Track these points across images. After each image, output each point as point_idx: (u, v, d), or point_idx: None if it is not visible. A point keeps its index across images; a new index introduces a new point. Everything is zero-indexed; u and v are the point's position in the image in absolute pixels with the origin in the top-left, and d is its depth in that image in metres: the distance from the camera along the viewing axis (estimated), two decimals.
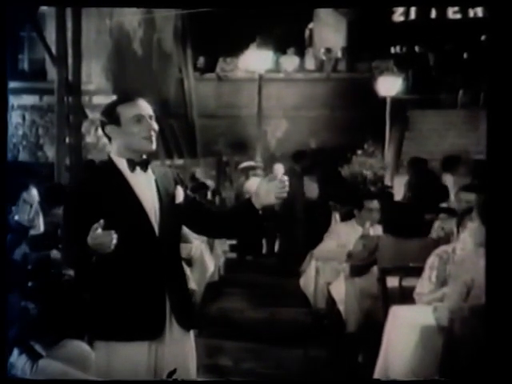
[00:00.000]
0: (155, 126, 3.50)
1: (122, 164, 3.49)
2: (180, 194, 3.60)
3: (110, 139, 3.55)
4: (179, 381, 3.50)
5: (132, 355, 3.42)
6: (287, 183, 3.44)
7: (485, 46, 19.54)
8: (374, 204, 7.56)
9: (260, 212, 3.52)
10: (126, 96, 3.60)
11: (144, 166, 3.51)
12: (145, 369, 3.46)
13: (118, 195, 3.44)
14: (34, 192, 4.85)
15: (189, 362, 3.63)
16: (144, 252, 3.44)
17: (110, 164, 3.52)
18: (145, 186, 3.51)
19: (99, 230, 3.17)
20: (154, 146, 3.50)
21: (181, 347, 3.56)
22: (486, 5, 20.13)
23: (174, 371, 3.47)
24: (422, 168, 10.72)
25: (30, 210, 5.41)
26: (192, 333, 3.69)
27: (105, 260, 3.26)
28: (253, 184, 12.32)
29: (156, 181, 3.55)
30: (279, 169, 11.95)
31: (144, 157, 3.52)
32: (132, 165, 3.49)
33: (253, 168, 12.82)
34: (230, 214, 3.82)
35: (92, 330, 3.55)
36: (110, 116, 3.50)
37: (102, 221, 3.17)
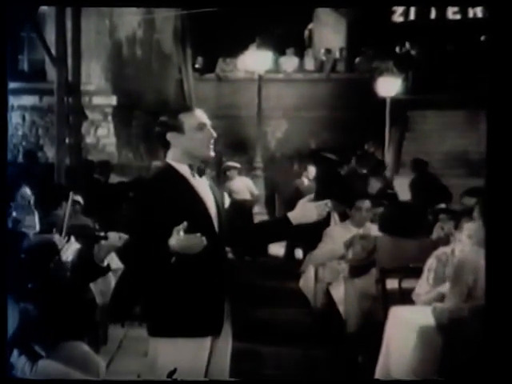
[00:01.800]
0: (214, 134, 3.65)
1: (183, 169, 3.63)
2: (227, 201, 3.75)
3: (167, 146, 3.68)
4: (179, 381, 3.52)
5: (195, 351, 3.54)
6: (330, 204, 3.77)
7: (485, 46, 19.56)
8: (366, 204, 7.56)
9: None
10: (185, 105, 3.73)
11: (202, 172, 3.67)
12: (203, 364, 3.58)
13: (184, 199, 3.56)
14: (27, 191, 4.83)
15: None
16: (208, 253, 3.50)
17: (171, 169, 3.65)
18: (205, 190, 3.66)
19: (182, 233, 3.34)
20: (213, 153, 3.66)
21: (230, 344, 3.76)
22: (485, 4, 20.20)
23: (174, 371, 3.50)
24: (423, 170, 10.74)
25: (29, 206, 5.40)
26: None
27: (184, 261, 3.41)
28: (236, 184, 12.38)
29: (210, 186, 3.71)
30: (312, 172, 12.15)
31: (201, 163, 3.68)
32: (193, 170, 3.64)
33: (234, 168, 12.83)
34: (266, 228, 4.09)
35: (155, 327, 3.62)
36: (173, 124, 3.63)
37: (185, 223, 3.34)
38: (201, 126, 3.61)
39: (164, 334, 3.56)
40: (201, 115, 3.65)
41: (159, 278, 3.53)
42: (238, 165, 12.97)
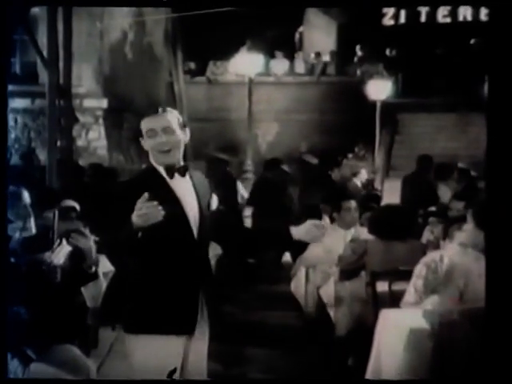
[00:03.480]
0: (171, 139, 3.61)
1: (161, 170, 3.65)
2: (214, 203, 3.74)
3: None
4: (179, 381, 3.54)
5: (166, 348, 3.55)
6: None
7: (475, 49, 19.64)
8: (352, 204, 7.58)
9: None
10: (151, 109, 3.71)
11: (182, 172, 3.66)
12: (178, 362, 3.61)
13: (160, 199, 3.49)
14: (25, 194, 4.83)
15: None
16: (182, 253, 3.59)
17: (151, 170, 3.68)
18: (185, 190, 3.67)
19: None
20: (171, 159, 3.63)
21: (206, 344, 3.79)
22: (479, 5, 20.26)
23: (174, 371, 3.54)
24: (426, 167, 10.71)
25: (26, 208, 5.39)
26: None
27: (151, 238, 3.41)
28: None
29: (194, 187, 3.71)
30: (364, 175, 12.28)
31: (181, 163, 3.67)
32: (170, 171, 3.64)
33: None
34: (264, 234, 4.10)
35: (127, 324, 3.67)
36: (139, 130, 3.68)
37: (146, 194, 3.31)
38: (150, 133, 3.62)
39: (137, 331, 3.60)
40: (152, 121, 3.63)
41: (135, 274, 3.60)
42: (226, 157, 12.97)
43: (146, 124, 3.64)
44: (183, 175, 3.67)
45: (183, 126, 3.70)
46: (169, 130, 3.61)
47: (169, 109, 3.71)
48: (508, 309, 3.64)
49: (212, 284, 3.73)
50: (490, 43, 3.91)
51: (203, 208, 3.69)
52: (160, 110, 3.67)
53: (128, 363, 3.69)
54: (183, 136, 3.68)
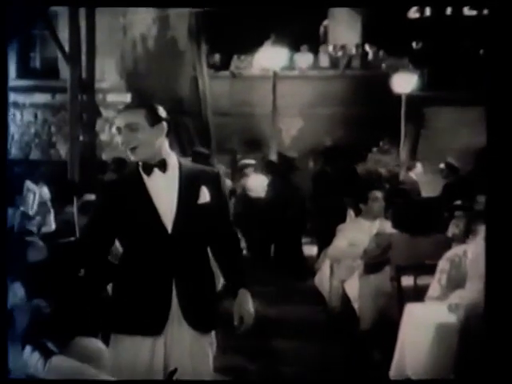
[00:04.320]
0: (137, 136, 3.51)
1: (139, 168, 3.59)
2: (205, 195, 3.59)
3: None
4: (179, 381, 3.50)
5: (134, 348, 3.51)
6: None
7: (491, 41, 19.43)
8: (378, 194, 7.54)
9: None
10: (127, 105, 3.66)
11: (161, 166, 3.56)
12: (146, 364, 3.52)
13: (133, 196, 3.53)
14: (44, 190, 4.82)
15: (199, 365, 3.64)
16: (154, 250, 3.50)
17: (134, 166, 3.62)
18: (162, 186, 3.55)
19: None
20: (139, 157, 3.55)
21: (190, 346, 3.58)
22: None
23: (174, 371, 3.49)
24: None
25: (34, 198, 5.39)
26: (210, 335, 3.77)
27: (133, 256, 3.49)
28: (251, 182, 12.34)
29: (180, 180, 3.58)
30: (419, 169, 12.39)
31: (161, 157, 3.56)
32: (147, 168, 3.55)
33: (250, 165, 12.79)
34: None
35: (106, 323, 3.72)
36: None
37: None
38: (118, 130, 3.54)
39: (113, 331, 3.61)
40: (120, 118, 3.56)
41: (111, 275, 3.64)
42: (252, 161, 12.92)
43: (116, 121, 3.61)
44: (163, 171, 3.57)
45: (158, 121, 3.56)
46: (134, 127, 3.50)
47: (143, 103, 3.66)
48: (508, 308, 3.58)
49: (187, 282, 3.57)
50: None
51: (183, 202, 3.55)
52: (132, 105, 3.67)
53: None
54: (155, 131, 3.54)
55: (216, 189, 3.64)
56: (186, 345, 3.56)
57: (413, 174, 12.93)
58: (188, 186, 3.59)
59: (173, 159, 3.61)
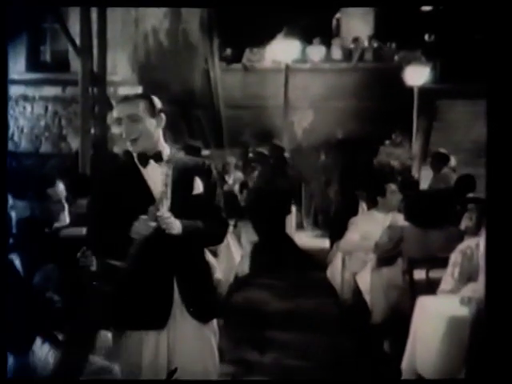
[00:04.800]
0: (138, 127, 3.52)
1: (134, 158, 3.60)
2: (198, 186, 3.60)
3: None
4: (179, 381, 3.50)
5: (138, 344, 3.51)
6: None
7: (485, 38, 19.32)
8: (394, 187, 7.52)
9: None
10: (125, 96, 3.64)
11: (157, 158, 3.57)
12: (151, 359, 3.52)
13: (131, 187, 3.55)
14: (60, 187, 4.79)
15: (204, 355, 3.65)
16: (153, 242, 3.48)
17: (130, 157, 3.63)
18: (157, 177, 3.55)
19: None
20: (139, 148, 3.56)
21: (193, 338, 3.60)
22: None
23: (174, 371, 3.49)
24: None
25: (61, 202, 5.37)
26: (213, 324, 3.73)
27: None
28: None
29: (174, 172, 3.57)
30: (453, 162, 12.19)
31: (157, 149, 3.58)
32: (143, 159, 3.57)
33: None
34: None
35: (108, 319, 3.72)
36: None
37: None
38: (118, 121, 3.54)
39: (116, 327, 3.63)
40: (118, 109, 3.57)
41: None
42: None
43: (114, 112, 3.58)
44: (160, 161, 3.58)
45: (159, 112, 3.59)
46: (135, 118, 3.51)
47: (142, 94, 3.66)
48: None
49: (187, 273, 3.59)
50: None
51: (176, 193, 3.56)
52: (131, 96, 3.60)
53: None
54: (155, 123, 3.57)
55: (208, 180, 3.66)
56: (189, 337, 3.58)
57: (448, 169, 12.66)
58: (182, 178, 3.60)
59: (167, 151, 3.63)
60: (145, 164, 3.56)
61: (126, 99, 3.58)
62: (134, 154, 3.58)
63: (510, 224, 3.53)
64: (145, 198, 3.50)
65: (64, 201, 4.84)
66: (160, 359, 3.52)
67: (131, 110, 3.52)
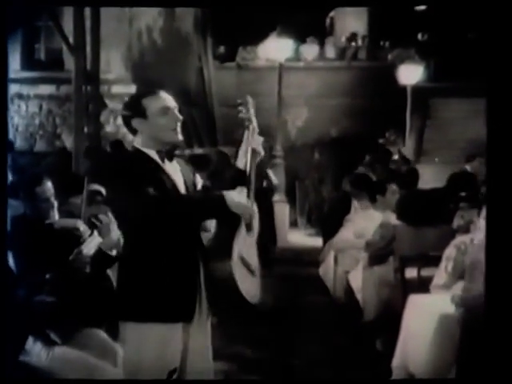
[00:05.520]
0: (180, 117, 3.58)
1: (152, 154, 3.58)
2: (199, 182, 3.69)
3: (134, 132, 3.61)
4: (179, 381, 3.52)
5: (165, 336, 3.49)
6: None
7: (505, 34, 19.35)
8: (395, 187, 7.56)
9: None
10: (148, 89, 3.68)
11: (170, 156, 3.62)
12: (177, 350, 3.53)
13: (156, 182, 3.50)
14: (48, 185, 4.77)
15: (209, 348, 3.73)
16: (183, 236, 3.52)
17: (141, 154, 3.58)
18: (176, 175, 3.62)
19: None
20: (180, 137, 3.59)
21: (208, 332, 3.69)
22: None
23: (174, 371, 3.50)
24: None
25: (49, 200, 5.38)
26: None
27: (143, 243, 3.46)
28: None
29: (182, 171, 3.67)
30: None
31: (168, 148, 3.61)
32: (162, 156, 3.58)
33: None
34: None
35: (123, 312, 3.60)
36: (136, 109, 3.57)
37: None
38: (164, 110, 3.55)
39: (133, 319, 3.53)
40: (164, 98, 3.59)
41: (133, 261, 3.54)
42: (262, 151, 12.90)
43: (157, 102, 3.56)
44: (172, 159, 3.64)
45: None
46: (176, 109, 3.61)
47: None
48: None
49: (211, 267, 3.59)
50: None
51: (190, 190, 3.66)
52: (158, 89, 3.64)
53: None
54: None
55: (204, 175, 3.75)
56: (208, 330, 3.68)
57: (469, 167, 12.59)
58: (188, 175, 3.70)
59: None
60: (163, 159, 3.59)
61: (153, 92, 3.61)
62: (151, 151, 3.56)
63: (510, 224, 3.56)
64: (171, 191, 3.54)
65: (52, 199, 4.82)
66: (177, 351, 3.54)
67: (172, 102, 3.59)
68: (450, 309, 4.68)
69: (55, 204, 4.81)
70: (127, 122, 3.61)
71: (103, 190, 6.93)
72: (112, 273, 5.44)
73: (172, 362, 3.54)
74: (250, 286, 3.59)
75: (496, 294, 3.59)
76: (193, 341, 3.59)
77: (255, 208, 3.62)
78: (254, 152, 3.74)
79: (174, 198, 3.53)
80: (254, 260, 3.66)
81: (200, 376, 3.64)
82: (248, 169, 3.69)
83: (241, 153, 3.78)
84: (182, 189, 3.61)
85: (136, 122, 3.56)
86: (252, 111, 3.82)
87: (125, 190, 3.43)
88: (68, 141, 14.46)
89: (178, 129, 3.57)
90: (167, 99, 3.58)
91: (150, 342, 3.48)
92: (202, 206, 3.51)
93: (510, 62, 3.71)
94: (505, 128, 3.63)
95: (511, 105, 3.65)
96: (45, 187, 4.73)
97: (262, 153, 3.76)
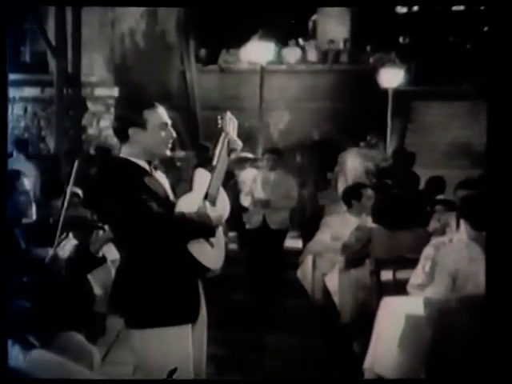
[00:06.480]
0: (174, 134, 3.70)
1: (142, 164, 3.64)
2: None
3: (125, 140, 3.64)
4: (179, 381, 3.56)
5: (175, 339, 3.55)
6: None
7: (488, 37, 19.49)
8: (371, 192, 7.60)
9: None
10: (149, 101, 3.71)
11: (158, 168, 3.75)
12: (188, 351, 3.60)
13: (151, 190, 3.56)
14: (24, 180, 4.79)
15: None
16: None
17: (130, 162, 3.62)
18: (165, 182, 3.74)
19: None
20: (169, 152, 3.70)
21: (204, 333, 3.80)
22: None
23: (174, 370, 3.52)
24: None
25: (28, 196, 5.40)
26: None
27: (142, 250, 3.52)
28: (244, 175, 12.32)
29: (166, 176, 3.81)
30: None
31: (156, 160, 3.73)
32: (152, 166, 3.69)
33: (248, 159, 12.77)
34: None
35: (128, 319, 3.66)
36: (136, 119, 3.60)
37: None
38: (163, 125, 3.64)
39: (141, 326, 3.57)
40: (164, 114, 3.67)
41: (134, 266, 3.58)
42: (251, 155, 12.95)
43: (158, 116, 3.63)
44: (156, 169, 3.74)
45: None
46: (170, 125, 3.71)
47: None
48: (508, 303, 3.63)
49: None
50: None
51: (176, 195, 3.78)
52: (156, 104, 3.69)
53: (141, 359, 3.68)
54: None
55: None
56: (204, 333, 3.77)
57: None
58: (171, 184, 3.82)
59: None
60: (155, 168, 3.71)
61: (156, 105, 3.68)
62: (141, 162, 3.63)
63: (510, 224, 3.61)
64: (165, 199, 3.64)
65: (31, 194, 4.84)
66: (184, 354, 3.60)
67: (168, 118, 3.68)
68: (419, 310, 4.73)
69: (33, 202, 4.82)
70: (122, 128, 3.64)
71: (80, 192, 6.98)
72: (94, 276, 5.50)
73: (183, 362, 3.60)
74: (209, 256, 3.65)
75: (496, 294, 3.64)
76: (194, 340, 3.68)
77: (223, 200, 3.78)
78: (229, 144, 3.82)
79: (170, 217, 3.58)
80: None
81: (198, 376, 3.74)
82: (216, 155, 3.79)
83: (217, 153, 3.83)
84: (171, 195, 3.71)
85: (133, 132, 3.60)
86: (230, 127, 3.87)
87: (124, 198, 3.47)
88: (52, 144, 14.45)
89: (170, 145, 3.68)
90: (165, 115, 3.67)
91: (161, 346, 3.55)
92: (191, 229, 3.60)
93: (509, 62, 3.73)
94: (505, 128, 3.68)
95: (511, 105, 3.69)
96: (22, 180, 4.75)
97: (239, 147, 3.82)
